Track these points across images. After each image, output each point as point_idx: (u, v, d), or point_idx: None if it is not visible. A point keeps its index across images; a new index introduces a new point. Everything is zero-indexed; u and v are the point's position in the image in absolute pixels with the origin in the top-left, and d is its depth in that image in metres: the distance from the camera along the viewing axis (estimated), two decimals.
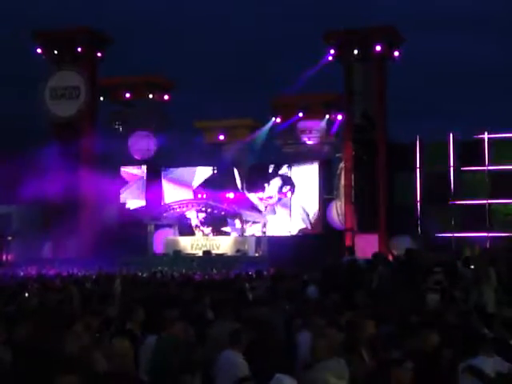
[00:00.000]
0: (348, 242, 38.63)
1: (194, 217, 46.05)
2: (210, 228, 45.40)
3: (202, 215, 45.80)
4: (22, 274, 29.77)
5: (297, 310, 10.61)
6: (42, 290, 15.16)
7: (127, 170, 46.86)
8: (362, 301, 11.53)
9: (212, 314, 10.52)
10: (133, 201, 46.65)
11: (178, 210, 45.85)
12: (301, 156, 45.38)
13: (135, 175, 46.88)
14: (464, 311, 11.00)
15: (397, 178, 40.36)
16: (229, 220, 45.45)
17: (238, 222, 44.91)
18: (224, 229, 45.35)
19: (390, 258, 18.72)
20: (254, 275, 21.28)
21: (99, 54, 45.16)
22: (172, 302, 10.95)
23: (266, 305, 11.02)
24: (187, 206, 45.80)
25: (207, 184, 46.13)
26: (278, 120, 45.64)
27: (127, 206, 46.43)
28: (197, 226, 45.81)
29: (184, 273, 30.22)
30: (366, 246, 35.40)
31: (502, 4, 72.08)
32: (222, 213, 45.64)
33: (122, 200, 46.36)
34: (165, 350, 7.95)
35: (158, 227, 46.29)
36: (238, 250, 42.26)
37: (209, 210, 45.46)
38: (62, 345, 6.69)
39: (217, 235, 44.83)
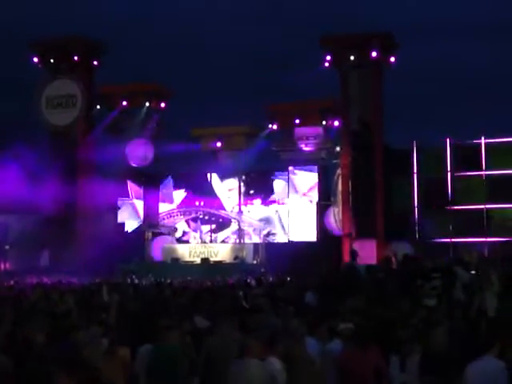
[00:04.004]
0: (346, 248, 38.64)
1: (191, 224, 46.16)
2: (208, 235, 45.51)
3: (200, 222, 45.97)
4: (19, 283, 29.68)
5: (295, 317, 10.59)
6: (41, 299, 15.15)
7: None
8: (359, 306, 11.51)
9: (207, 322, 10.51)
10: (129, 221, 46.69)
11: (175, 217, 45.86)
12: (298, 163, 45.48)
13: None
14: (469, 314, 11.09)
15: (394, 184, 40.39)
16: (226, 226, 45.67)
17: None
18: (222, 233, 45.50)
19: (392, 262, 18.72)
20: (254, 282, 21.27)
21: (95, 63, 45.21)
22: (169, 311, 10.94)
23: (263, 312, 11.02)
24: (185, 214, 45.83)
25: (203, 191, 46.37)
26: (275, 127, 45.67)
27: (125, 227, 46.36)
28: (195, 232, 45.93)
29: (182, 280, 30.18)
30: (364, 251, 35.42)
31: (498, 12, 72.26)
32: (220, 220, 45.71)
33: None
34: (162, 359, 7.92)
35: (155, 235, 46.28)
36: (236, 257, 42.26)
37: (206, 217, 45.54)
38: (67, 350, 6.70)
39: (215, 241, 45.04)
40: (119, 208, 45.91)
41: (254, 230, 45.14)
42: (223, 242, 45.31)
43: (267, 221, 45.05)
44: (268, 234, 44.82)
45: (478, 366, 7.03)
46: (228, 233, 45.69)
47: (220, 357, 8.42)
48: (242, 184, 46.46)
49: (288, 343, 7.58)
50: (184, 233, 46.28)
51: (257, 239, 44.70)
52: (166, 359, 7.88)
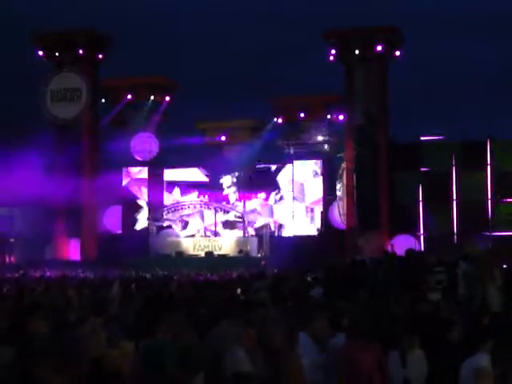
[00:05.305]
0: (350, 242, 38.69)
1: (196, 218, 46.18)
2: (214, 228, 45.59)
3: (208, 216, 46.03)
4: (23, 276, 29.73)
5: (298, 311, 10.57)
6: (45, 292, 15.17)
7: (130, 171, 46.69)
8: (363, 301, 11.49)
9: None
10: None
11: (180, 211, 45.86)
12: (302, 156, 45.48)
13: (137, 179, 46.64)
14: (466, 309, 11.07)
15: (398, 178, 40.33)
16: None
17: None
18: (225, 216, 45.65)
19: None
20: (257, 276, 21.22)
21: (100, 56, 45.19)
22: (172, 304, 10.93)
23: (264, 306, 10.98)
24: (189, 207, 45.83)
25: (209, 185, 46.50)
26: (280, 121, 45.65)
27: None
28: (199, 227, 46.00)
29: (186, 274, 30.18)
30: (369, 246, 35.45)
31: (503, 8, 72.01)
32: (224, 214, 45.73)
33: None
34: (151, 354, 7.89)
35: (160, 228, 46.29)
36: (240, 251, 42.26)
37: (212, 211, 45.52)
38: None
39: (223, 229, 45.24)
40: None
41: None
42: (227, 221, 45.22)
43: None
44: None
45: (469, 363, 6.97)
46: (231, 216, 45.59)
47: (219, 351, 8.41)
48: (235, 181, 46.65)
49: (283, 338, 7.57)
50: (187, 225, 46.34)
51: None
52: (154, 355, 7.84)
